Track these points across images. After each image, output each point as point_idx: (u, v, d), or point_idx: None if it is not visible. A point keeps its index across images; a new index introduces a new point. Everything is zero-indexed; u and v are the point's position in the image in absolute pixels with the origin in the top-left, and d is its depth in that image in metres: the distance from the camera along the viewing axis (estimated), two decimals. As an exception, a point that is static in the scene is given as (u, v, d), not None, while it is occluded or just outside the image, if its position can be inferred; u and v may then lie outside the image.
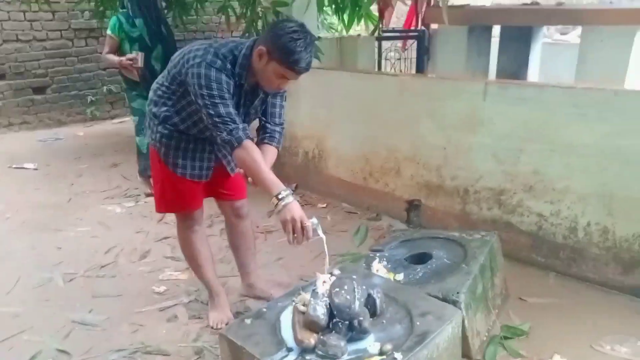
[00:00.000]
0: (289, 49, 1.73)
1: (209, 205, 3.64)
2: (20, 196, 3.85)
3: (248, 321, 1.75)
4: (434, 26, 4.80)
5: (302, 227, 1.75)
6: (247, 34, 3.88)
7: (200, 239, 2.26)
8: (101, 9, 5.04)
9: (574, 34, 5.59)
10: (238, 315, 2.30)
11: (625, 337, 2.15)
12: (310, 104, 3.73)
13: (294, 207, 1.76)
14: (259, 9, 3.75)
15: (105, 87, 6.27)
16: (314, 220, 1.78)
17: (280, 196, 1.75)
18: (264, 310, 1.82)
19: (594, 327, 2.22)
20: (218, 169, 2.17)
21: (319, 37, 3.66)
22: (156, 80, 2.07)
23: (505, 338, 2.14)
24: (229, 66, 1.83)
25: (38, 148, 5.17)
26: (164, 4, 4.93)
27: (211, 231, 3.28)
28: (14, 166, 4.54)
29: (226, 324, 2.20)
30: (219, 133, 1.82)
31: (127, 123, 6.16)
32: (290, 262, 2.85)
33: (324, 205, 3.68)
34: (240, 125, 1.83)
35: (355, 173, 3.58)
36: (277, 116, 2.11)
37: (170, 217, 3.43)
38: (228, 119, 1.80)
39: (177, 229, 2.27)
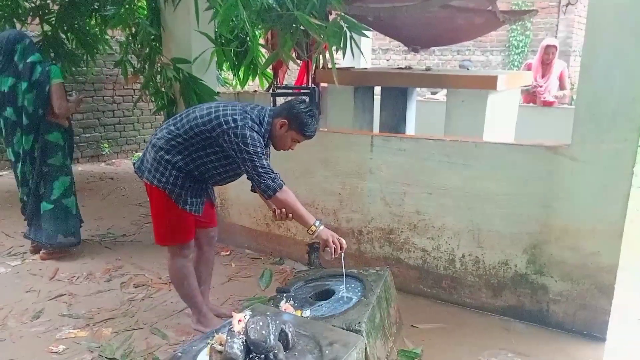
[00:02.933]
0: (306, 123, 2.35)
1: (107, 260, 3.57)
2: None
3: (164, 367, 1.79)
4: (323, 84, 5.24)
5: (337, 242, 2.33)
6: (147, 90, 3.94)
7: (192, 267, 2.62)
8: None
9: (442, 94, 6.42)
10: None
11: (498, 351, 2.53)
12: (211, 156, 3.86)
13: (326, 230, 2.34)
14: (158, 64, 3.86)
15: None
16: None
17: (315, 227, 2.32)
18: (179, 355, 1.87)
19: (473, 346, 2.57)
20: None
21: (218, 93, 3.84)
22: (165, 130, 2.39)
23: (402, 362, 2.39)
24: (261, 129, 2.32)
25: None
26: (52, 54, 4.83)
27: (110, 285, 3.19)
28: None
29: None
30: (263, 181, 2.26)
31: (5, 177, 5.71)
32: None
33: (228, 253, 3.76)
34: (278, 174, 2.31)
35: (257, 220, 3.73)
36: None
37: (65, 274, 3.31)
38: (269, 170, 2.28)
39: (171, 261, 2.56)
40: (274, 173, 2.30)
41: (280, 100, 6.04)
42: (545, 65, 5.22)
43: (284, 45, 3.24)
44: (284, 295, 2.49)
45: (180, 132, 2.36)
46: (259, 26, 3.96)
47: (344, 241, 2.36)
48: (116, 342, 2.52)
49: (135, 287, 3.16)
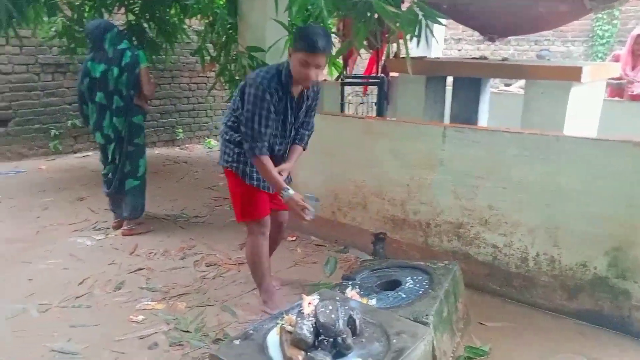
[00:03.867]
0: (303, 35, 2.28)
1: (181, 239, 3.75)
2: (-16, 229, 3.78)
3: (237, 342, 1.87)
4: (393, 74, 5.19)
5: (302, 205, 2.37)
6: (221, 77, 4.07)
7: (267, 246, 2.72)
8: (72, 45, 5.13)
9: (516, 85, 6.14)
10: (218, 342, 2.40)
11: (571, 355, 2.41)
12: (281, 143, 3.94)
13: (292, 194, 2.38)
14: (234, 52, 3.98)
15: (70, 122, 6.23)
16: (307, 193, 2.47)
17: (283, 191, 2.38)
18: (251, 331, 1.94)
19: (545, 348, 2.46)
20: None
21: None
22: (227, 113, 2.60)
23: (469, 358, 2.34)
24: (273, 83, 2.34)
25: (-1, 181, 5.07)
26: (135, 42, 5.11)
27: (184, 263, 3.36)
28: (-26, 199, 4.45)
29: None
30: (247, 141, 2.38)
31: (91, 157, 6.14)
32: (265, 292, 2.97)
33: (294, 239, 3.83)
34: (265, 144, 2.39)
35: (323, 208, 3.75)
36: (309, 124, 2.69)
37: (143, 250, 3.52)
38: (258, 136, 2.34)
39: (248, 238, 2.70)
40: (261, 142, 2.35)
41: (348, 90, 6.05)
42: (636, 56, 4.85)
43: (358, 34, 3.23)
44: (350, 282, 2.52)
45: (234, 107, 2.53)
46: (333, 15, 3.97)
47: (306, 201, 2.40)
48: (190, 316, 2.66)
49: (207, 266, 3.30)
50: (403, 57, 3.57)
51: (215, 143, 7.61)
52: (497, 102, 4.80)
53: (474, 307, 2.73)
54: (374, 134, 3.42)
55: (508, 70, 3.80)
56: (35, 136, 6.05)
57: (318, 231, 3.84)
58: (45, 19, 4.94)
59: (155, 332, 2.50)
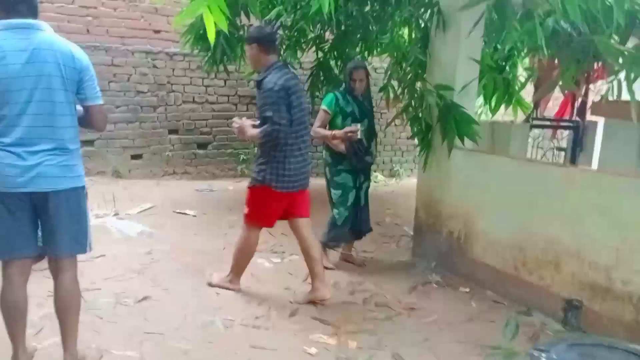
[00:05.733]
0: None
1: (349, 273, 3.74)
2: (183, 239, 4.26)
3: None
4: (590, 118, 4.64)
5: None
6: (405, 114, 4.04)
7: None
8: (268, 80, 5.64)
9: None
10: None
11: None
12: (462, 184, 3.73)
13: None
14: (419, 89, 3.92)
15: (256, 149, 6.85)
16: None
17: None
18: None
19: None
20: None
21: (476, 122, 3.69)
22: None
23: None
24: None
25: (196, 197, 5.73)
26: (322, 78, 5.42)
27: (353, 298, 3.34)
28: (177, 211, 5.07)
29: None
30: None
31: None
32: (439, 344, 2.77)
33: (467, 290, 3.56)
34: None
35: (505, 260, 3.44)
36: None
37: (315, 279, 3.57)
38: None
39: (247, 232, 3.32)
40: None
41: (535, 133, 5.57)
42: None
43: (565, 72, 2.91)
44: (544, 355, 2.19)
45: None
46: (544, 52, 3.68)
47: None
48: (360, 357, 2.59)
49: (376, 306, 3.22)
50: (615, 101, 3.12)
51: (381, 178, 7.64)
52: None
53: None
54: (574, 184, 3.03)
55: None
56: (227, 159, 6.81)
57: (496, 286, 3.51)
58: (249, 56, 5.52)
59: (328, 368, 2.48)
